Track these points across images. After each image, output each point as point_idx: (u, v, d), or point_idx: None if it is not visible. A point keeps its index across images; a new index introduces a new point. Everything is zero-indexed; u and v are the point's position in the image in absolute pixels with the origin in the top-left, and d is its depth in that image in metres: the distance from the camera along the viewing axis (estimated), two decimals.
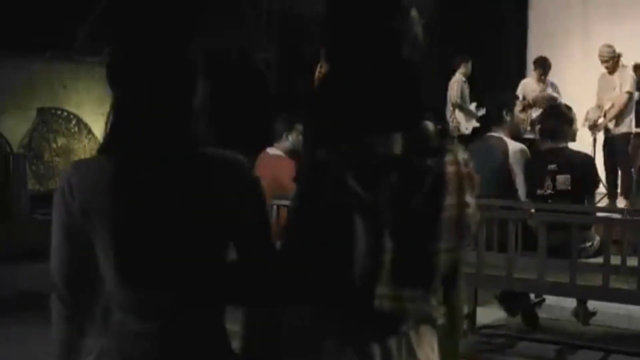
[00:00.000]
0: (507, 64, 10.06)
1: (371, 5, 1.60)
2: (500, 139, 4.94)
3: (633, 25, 8.99)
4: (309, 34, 11.41)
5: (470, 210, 1.62)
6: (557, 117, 4.86)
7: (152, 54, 1.53)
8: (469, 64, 9.31)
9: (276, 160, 5.05)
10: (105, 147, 1.56)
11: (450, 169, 1.59)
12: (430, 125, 1.61)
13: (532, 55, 9.67)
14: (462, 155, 1.62)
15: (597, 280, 3.85)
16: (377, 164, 1.52)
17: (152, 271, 1.52)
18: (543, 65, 8.81)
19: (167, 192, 1.51)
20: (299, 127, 8.35)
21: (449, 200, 1.58)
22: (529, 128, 8.28)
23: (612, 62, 7.93)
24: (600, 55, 7.99)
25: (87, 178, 1.53)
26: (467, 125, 9.37)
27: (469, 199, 1.61)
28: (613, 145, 7.93)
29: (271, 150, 5.22)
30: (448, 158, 1.59)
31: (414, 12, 1.61)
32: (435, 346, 1.65)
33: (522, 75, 9.52)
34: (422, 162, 1.55)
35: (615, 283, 3.86)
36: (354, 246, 1.48)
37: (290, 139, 5.19)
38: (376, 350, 1.53)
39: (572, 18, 9.76)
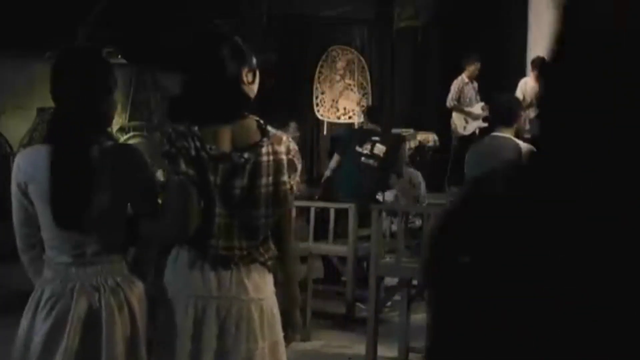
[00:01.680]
0: (507, 64, 10.05)
1: (204, 40, 2.45)
2: (510, 139, 4.92)
3: None
4: (309, 33, 11.42)
5: (287, 187, 2.33)
6: None
7: (72, 81, 2.39)
8: (475, 66, 9.25)
9: None
10: (45, 138, 2.38)
11: (266, 157, 2.28)
12: (253, 123, 2.34)
13: (532, 55, 9.66)
14: (285, 145, 2.33)
15: None
16: (207, 156, 2.23)
17: (70, 221, 2.32)
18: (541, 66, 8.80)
19: (82, 169, 2.31)
20: (292, 123, 8.33)
21: (267, 180, 2.29)
22: (527, 127, 8.28)
23: None
24: None
25: (28, 159, 2.36)
26: (466, 126, 9.31)
27: (288, 178, 2.33)
28: None
29: None
30: (265, 149, 2.28)
31: (235, 42, 2.35)
32: (268, 279, 2.39)
33: (523, 75, 9.51)
34: (241, 154, 2.26)
35: None
36: (188, 211, 2.23)
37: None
38: (212, 276, 2.30)
39: None
